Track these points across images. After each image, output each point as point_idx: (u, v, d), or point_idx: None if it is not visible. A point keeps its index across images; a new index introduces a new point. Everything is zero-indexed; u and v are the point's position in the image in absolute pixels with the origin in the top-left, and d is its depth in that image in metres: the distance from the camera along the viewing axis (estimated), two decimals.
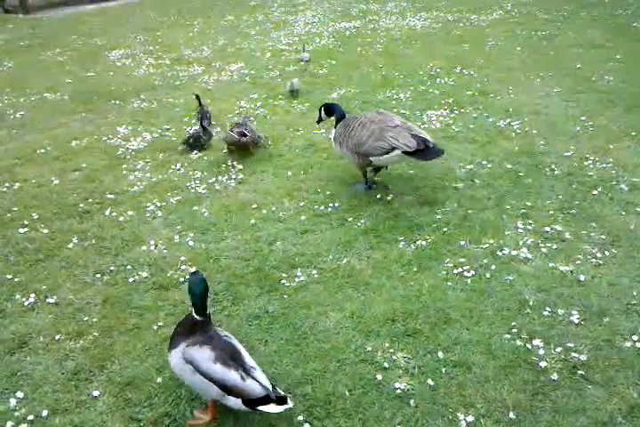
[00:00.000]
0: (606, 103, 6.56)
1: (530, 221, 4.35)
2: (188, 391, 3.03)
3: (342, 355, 3.23)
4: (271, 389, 2.63)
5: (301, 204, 4.86)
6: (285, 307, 3.65)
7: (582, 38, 9.27)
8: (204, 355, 2.67)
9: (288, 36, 10.80)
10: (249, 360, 2.73)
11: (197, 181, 5.35)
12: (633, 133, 5.72)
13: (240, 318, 3.56)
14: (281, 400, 2.61)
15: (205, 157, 5.86)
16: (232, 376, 2.62)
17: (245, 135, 5.60)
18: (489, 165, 5.26)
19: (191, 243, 4.37)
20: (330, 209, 4.74)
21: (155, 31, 12.00)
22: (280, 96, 7.47)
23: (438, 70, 8.13)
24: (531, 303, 3.51)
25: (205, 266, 4.09)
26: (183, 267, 4.09)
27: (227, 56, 9.69)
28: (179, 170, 5.61)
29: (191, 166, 5.68)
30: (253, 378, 2.63)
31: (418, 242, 4.21)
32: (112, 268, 4.14)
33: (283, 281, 3.89)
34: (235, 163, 5.65)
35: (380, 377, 3.06)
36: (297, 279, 3.91)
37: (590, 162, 5.19)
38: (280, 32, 11.16)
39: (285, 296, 3.75)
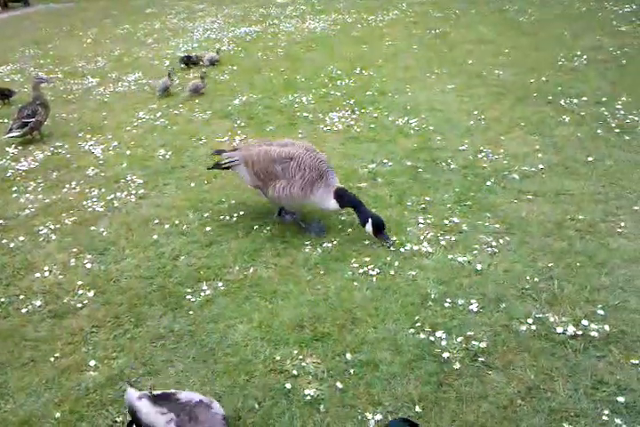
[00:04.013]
0: (497, 96, 6.88)
1: (429, 216, 4.47)
2: (87, 425, 2.87)
3: (251, 367, 3.17)
4: None
5: (206, 215, 4.75)
6: (192, 324, 3.54)
7: (473, 35, 9.70)
8: None
9: (187, 42, 10.60)
10: None
11: (94, 199, 5.12)
12: (522, 124, 6.02)
13: (143, 341, 3.41)
14: None
15: (103, 173, 5.62)
16: None
17: (26, 124, 6.16)
18: (390, 164, 5.37)
19: (89, 265, 4.17)
20: (235, 218, 4.67)
21: (46, 44, 11.46)
22: (180, 105, 7.30)
23: (339, 72, 8.24)
24: (432, 296, 3.59)
25: (105, 288, 3.91)
26: (80, 291, 3.88)
27: (123, 66, 9.38)
28: (74, 188, 5.35)
29: (87, 184, 5.43)
30: None
31: (324, 245, 4.22)
32: (2, 299, 3.87)
33: (188, 297, 3.78)
34: (134, 177, 5.45)
35: (289, 386, 3.03)
36: (203, 294, 3.81)
37: (484, 154, 5.41)
38: (179, 39, 10.94)
39: (191, 312, 3.64)
